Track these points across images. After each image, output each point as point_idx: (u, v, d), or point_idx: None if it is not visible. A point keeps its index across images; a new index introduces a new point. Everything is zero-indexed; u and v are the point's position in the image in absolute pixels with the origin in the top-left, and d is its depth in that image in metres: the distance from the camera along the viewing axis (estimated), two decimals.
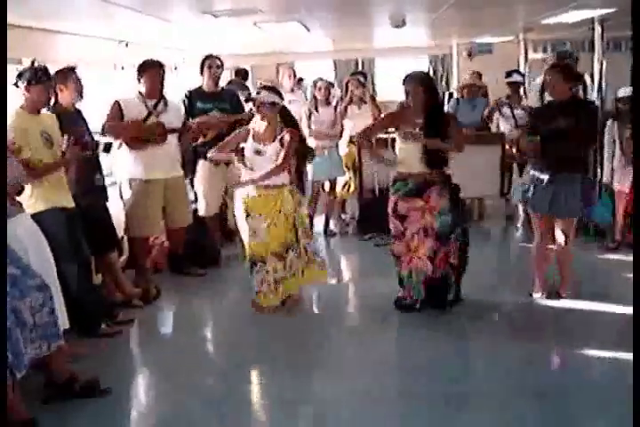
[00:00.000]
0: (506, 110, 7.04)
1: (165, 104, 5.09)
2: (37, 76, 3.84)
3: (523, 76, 7.77)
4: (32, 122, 3.87)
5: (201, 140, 5.48)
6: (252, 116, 4.90)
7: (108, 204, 4.88)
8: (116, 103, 4.98)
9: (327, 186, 6.95)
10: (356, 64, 12.54)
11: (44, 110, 4.05)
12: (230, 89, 6.06)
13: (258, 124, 4.67)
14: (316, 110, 6.64)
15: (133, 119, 4.97)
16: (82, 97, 4.48)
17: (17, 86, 3.85)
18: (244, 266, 4.85)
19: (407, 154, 4.52)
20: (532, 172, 4.61)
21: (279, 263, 4.62)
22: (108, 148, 4.41)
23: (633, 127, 5.27)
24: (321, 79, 6.90)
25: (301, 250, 4.71)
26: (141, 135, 4.96)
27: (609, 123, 5.95)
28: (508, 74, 7.33)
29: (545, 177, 4.47)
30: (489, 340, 4.18)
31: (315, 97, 6.69)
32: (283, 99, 4.81)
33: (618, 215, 5.88)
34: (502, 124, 7.10)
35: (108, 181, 5.11)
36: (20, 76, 3.86)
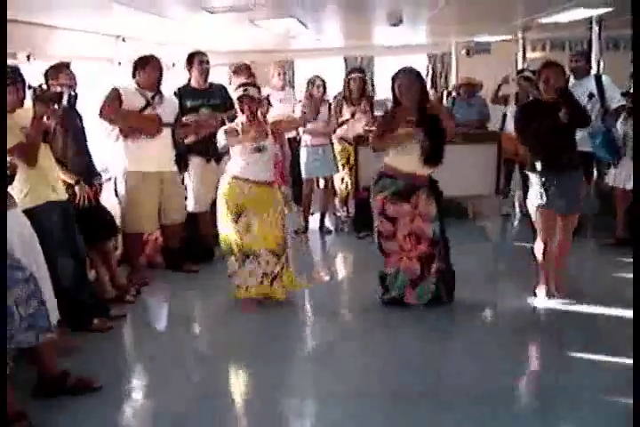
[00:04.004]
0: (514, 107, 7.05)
1: (161, 98, 5.10)
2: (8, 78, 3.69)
3: (533, 73, 7.74)
4: (9, 120, 3.65)
5: (193, 138, 5.43)
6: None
7: (103, 200, 4.88)
8: (115, 90, 4.95)
9: (322, 183, 6.95)
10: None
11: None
12: (218, 84, 6.01)
13: (242, 123, 4.60)
14: None
15: (131, 108, 4.95)
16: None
17: None
18: (227, 260, 4.78)
19: (404, 152, 4.39)
20: (534, 174, 4.48)
21: (272, 259, 4.64)
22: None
23: (634, 126, 5.25)
24: (317, 77, 6.88)
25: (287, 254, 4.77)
26: (138, 124, 4.96)
27: (621, 119, 5.76)
28: (520, 71, 7.27)
29: (551, 176, 4.39)
30: (479, 340, 4.15)
31: (311, 94, 6.64)
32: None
33: (619, 211, 5.82)
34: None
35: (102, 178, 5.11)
36: None
